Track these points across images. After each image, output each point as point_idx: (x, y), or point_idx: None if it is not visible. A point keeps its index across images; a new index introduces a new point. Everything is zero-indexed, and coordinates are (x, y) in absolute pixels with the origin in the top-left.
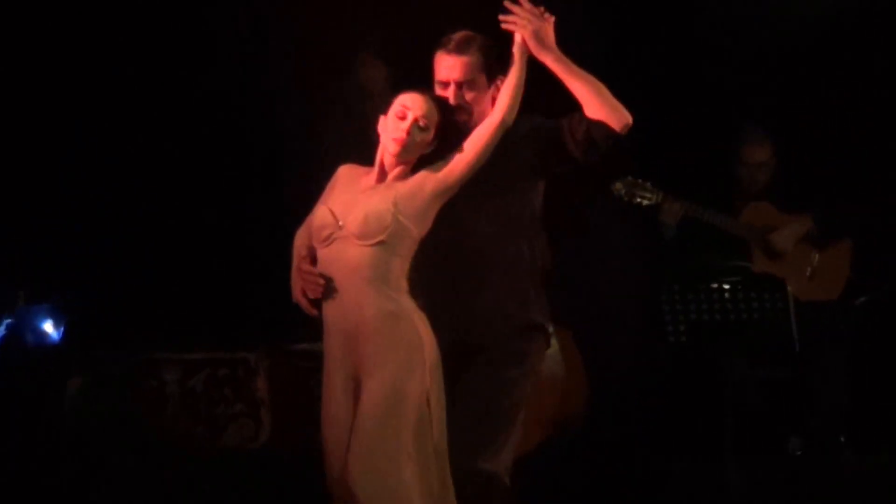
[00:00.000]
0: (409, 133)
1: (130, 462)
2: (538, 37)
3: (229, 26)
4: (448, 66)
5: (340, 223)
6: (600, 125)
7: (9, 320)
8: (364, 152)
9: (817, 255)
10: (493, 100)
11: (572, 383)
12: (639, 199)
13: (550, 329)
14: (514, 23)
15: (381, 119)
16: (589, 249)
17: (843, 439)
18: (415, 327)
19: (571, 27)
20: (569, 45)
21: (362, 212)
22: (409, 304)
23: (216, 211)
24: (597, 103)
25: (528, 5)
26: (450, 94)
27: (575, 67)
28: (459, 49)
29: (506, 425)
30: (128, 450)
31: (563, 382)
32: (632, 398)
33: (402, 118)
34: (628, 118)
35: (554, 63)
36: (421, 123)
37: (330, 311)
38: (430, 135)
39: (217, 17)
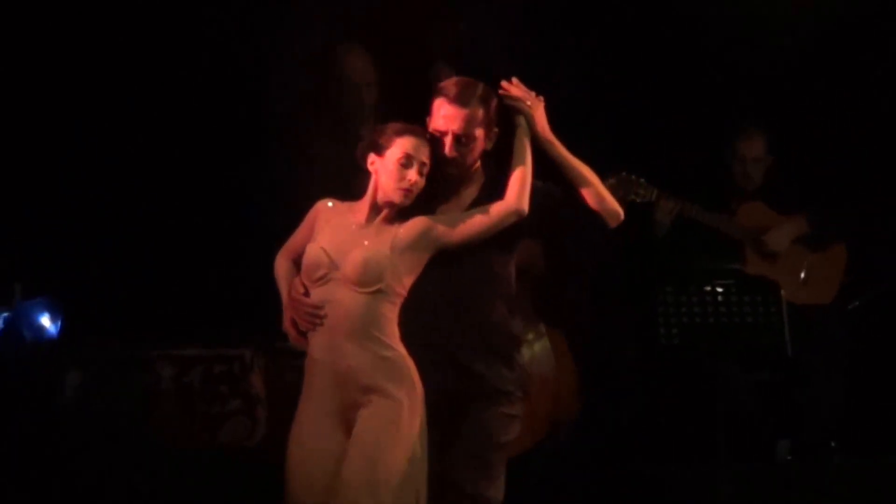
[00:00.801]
0: (416, 182)
1: (126, 457)
2: (537, 120)
3: (218, 23)
4: (448, 117)
5: (336, 263)
6: (601, 210)
7: (6, 314)
8: (343, 148)
9: (811, 258)
10: (483, 153)
11: (564, 384)
12: (633, 197)
13: (537, 331)
14: (514, 99)
15: (373, 156)
16: (581, 248)
17: (833, 444)
18: (409, 371)
19: (568, 26)
20: (565, 44)
21: (361, 257)
22: (402, 350)
23: (213, 209)
24: (596, 200)
25: (524, 88)
26: (447, 144)
27: (570, 157)
28: (461, 101)
29: (504, 456)
30: (124, 445)
31: (554, 383)
32: (624, 400)
33: (408, 167)
34: (622, 217)
35: (554, 151)
36: (424, 171)
37: (319, 349)
38: (425, 177)
39: (205, 14)
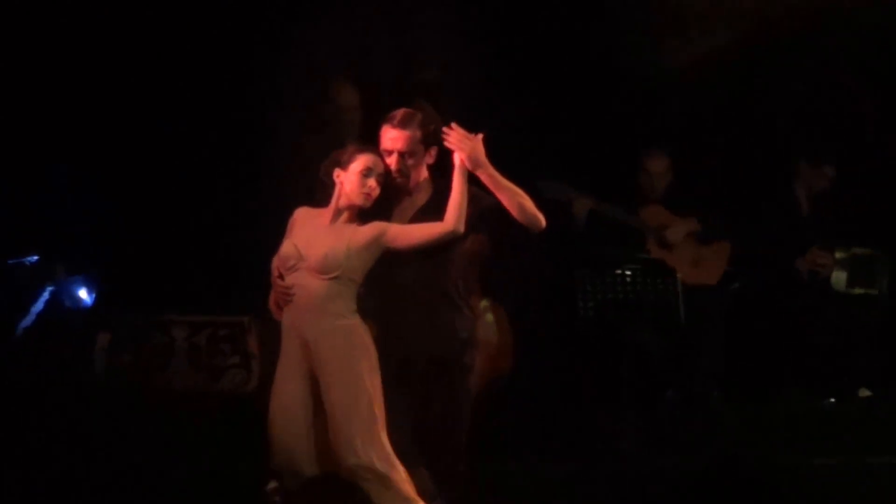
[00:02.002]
0: (375, 189)
1: (146, 401)
2: (473, 156)
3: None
4: (392, 138)
5: (303, 255)
6: (526, 222)
7: (51, 287)
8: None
9: (700, 249)
10: (427, 165)
11: (503, 347)
12: (556, 195)
13: (484, 304)
14: (453, 143)
15: (338, 171)
16: (517, 239)
17: (716, 394)
18: (363, 337)
19: (518, 72)
20: (516, 87)
21: (322, 250)
22: (357, 320)
23: (221, 206)
24: (520, 214)
25: (461, 130)
26: (392, 161)
27: (503, 181)
28: (402, 124)
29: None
30: (145, 392)
31: (495, 347)
32: (550, 360)
33: (368, 176)
34: (542, 225)
35: (488, 179)
36: (380, 180)
37: (289, 321)
38: (381, 186)
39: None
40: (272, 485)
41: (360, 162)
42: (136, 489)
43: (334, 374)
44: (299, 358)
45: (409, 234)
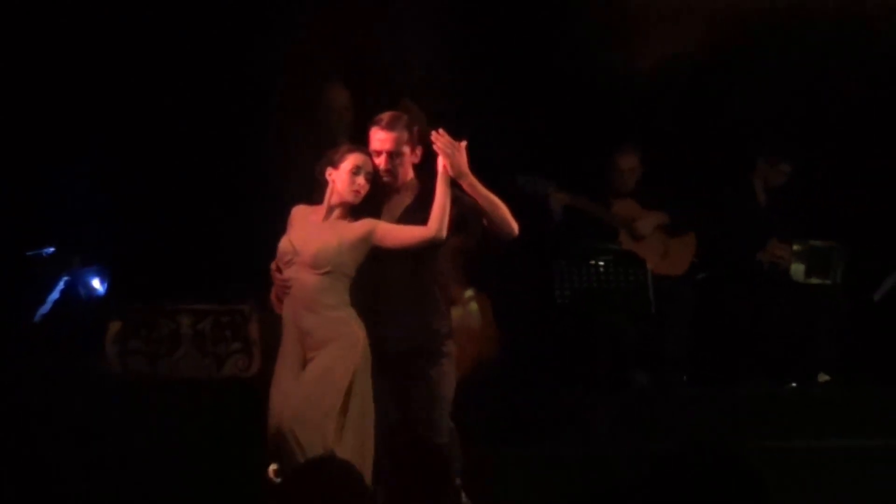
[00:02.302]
0: (364, 186)
1: (155, 384)
2: (456, 164)
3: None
4: (380, 140)
5: (298, 251)
6: (499, 229)
7: (66, 277)
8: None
9: (669, 241)
10: (413, 164)
11: (487, 333)
12: (534, 190)
13: (469, 294)
14: (439, 148)
15: (330, 169)
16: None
17: (685, 378)
18: (351, 328)
19: (500, 70)
20: (499, 84)
21: (315, 246)
22: (347, 312)
23: (223, 200)
24: (496, 220)
25: (447, 136)
26: (381, 161)
27: (483, 190)
28: (389, 126)
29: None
30: (155, 375)
31: (480, 333)
32: (530, 344)
33: (357, 174)
34: (515, 234)
35: (468, 186)
36: (369, 178)
37: (288, 313)
38: (370, 183)
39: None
40: (273, 466)
41: (349, 161)
42: (144, 469)
43: (321, 359)
44: (297, 347)
45: (395, 234)
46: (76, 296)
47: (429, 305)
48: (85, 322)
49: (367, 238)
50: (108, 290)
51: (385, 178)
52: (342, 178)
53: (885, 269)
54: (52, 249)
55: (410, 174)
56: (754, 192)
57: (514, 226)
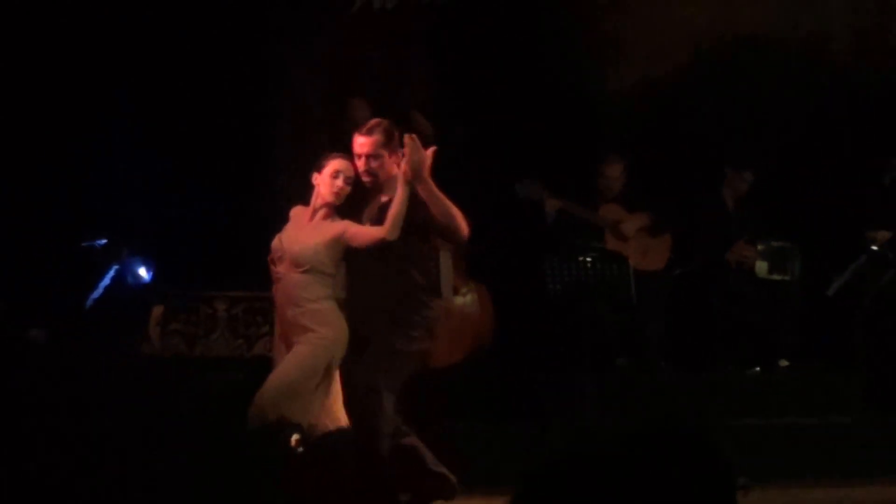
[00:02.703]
0: (343, 188)
1: (194, 360)
2: (415, 169)
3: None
4: (360, 144)
5: (285, 249)
6: (448, 235)
7: (116, 266)
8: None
9: (649, 241)
10: (396, 165)
11: (484, 321)
12: (530, 196)
13: (469, 285)
14: (406, 152)
15: (315, 174)
16: (495, 229)
17: (662, 363)
18: (329, 319)
19: (496, 83)
20: (498, 96)
21: (296, 247)
22: (326, 305)
23: (258, 201)
24: (446, 227)
25: (417, 142)
26: (361, 163)
27: (438, 196)
28: (368, 132)
29: (402, 361)
30: (195, 352)
31: (477, 320)
32: (524, 331)
33: (336, 178)
34: (464, 240)
35: (424, 191)
36: (349, 181)
37: (278, 303)
38: (350, 186)
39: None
40: (295, 436)
41: (331, 166)
42: (181, 436)
43: (301, 345)
44: (286, 332)
45: (359, 234)
46: (124, 283)
47: (406, 305)
48: (132, 306)
49: (339, 238)
50: (153, 278)
51: (365, 179)
52: (324, 181)
53: (838, 266)
54: (103, 241)
55: (391, 176)
56: (723, 199)
57: (465, 233)
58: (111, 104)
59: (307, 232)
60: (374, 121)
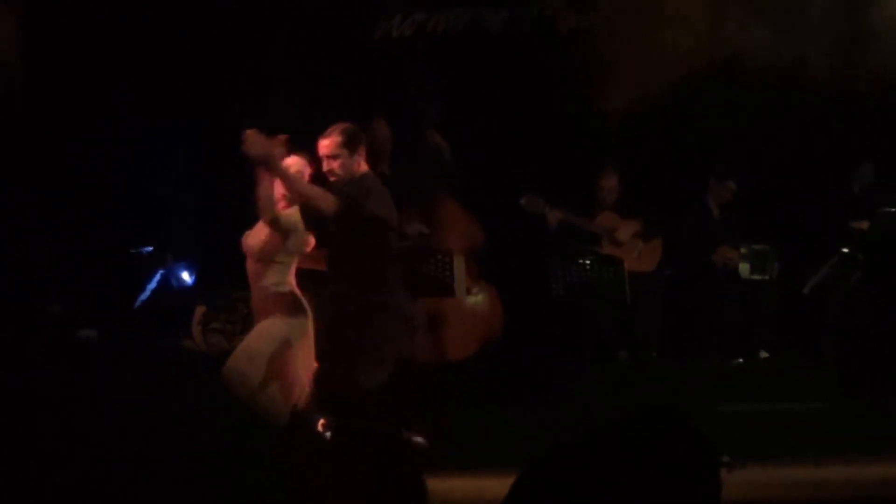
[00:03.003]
0: None
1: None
2: (257, 154)
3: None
4: (322, 145)
5: (248, 244)
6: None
7: (162, 271)
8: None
9: (641, 245)
10: (360, 164)
11: (494, 318)
12: (534, 208)
13: (480, 285)
14: (248, 145)
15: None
16: (504, 236)
17: (655, 354)
18: (299, 302)
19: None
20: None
21: (253, 241)
22: (287, 289)
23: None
24: (307, 204)
25: (256, 135)
26: (324, 164)
27: (292, 179)
28: (327, 135)
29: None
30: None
31: (488, 317)
32: (529, 326)
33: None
34: (328, 213)
35: (276, 174)
36: (303, 178)
37: (252, 289)
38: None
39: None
40: (322, 420)
41: (287, 164)
42: (219, 422)
43: (263, 323)
44: (257, 312)
45: (295, 215)
46: (169, 286)
47: (367, 282)
48: (176, 307)
49: (288, 229)
50: (195, 282)
51: (330, 178)
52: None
53: (812, 267)
54: (150, 248)
55: (353, 172)
56: (708, 207)
57: (327, 210)
58: (157, 132)
59: (262, 226)
60: (336, 125)
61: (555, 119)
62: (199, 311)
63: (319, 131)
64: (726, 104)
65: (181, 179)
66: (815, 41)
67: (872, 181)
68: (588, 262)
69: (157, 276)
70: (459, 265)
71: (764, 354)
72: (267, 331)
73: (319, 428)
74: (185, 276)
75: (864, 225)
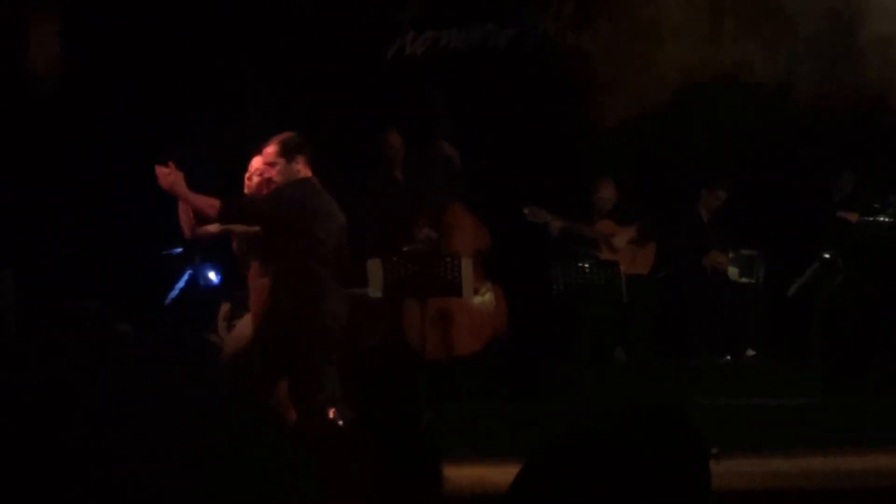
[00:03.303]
0: (250, 187)
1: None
2: (168, 186)
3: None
4: (264, 153)
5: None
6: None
7: (190, 271)
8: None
9: (637, 249)
10: (299, 170)
11: (499, 317)
12: (537, 217)
13: (487, 286)
14: (161, 176)
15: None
16: (509, 241)
17: (649, 352)
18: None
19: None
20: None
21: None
22: (259, 283)
23: None
24: (206, 216)
25: (161, 168)
26: (265, 171)
27: (191, 199)
28: (269, 144)
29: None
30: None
31: (493, 316)
32: (533, 326)
33: (250, 179)
34: (216, 218)
35: (180, 196)
36: (256, 179)
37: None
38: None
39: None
40: (333, 409)
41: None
42: (241, 414)
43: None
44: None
45: None
46: (197, 285)
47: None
48: (203, 304)
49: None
50: (221, 280)
51: (270, 185)
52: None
53: (797, 271)
54: (179, 250)
55: (291, 177)
56: (699, 213)
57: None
58: (183, 142)
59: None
60: (275, 137)
61: (556, 131)
62: (224, 308)
63: (337, 142)
64: (718, 117)
65: (211, 187)
66: (803, 57)
67: (851, 190)
68: (587, 265)
69: (186, 276)
70: (467, 267)
71: (751, 352)
72: (247, 321)
73: (331, 415)
74: (212, 275)
75: (854, 216)
